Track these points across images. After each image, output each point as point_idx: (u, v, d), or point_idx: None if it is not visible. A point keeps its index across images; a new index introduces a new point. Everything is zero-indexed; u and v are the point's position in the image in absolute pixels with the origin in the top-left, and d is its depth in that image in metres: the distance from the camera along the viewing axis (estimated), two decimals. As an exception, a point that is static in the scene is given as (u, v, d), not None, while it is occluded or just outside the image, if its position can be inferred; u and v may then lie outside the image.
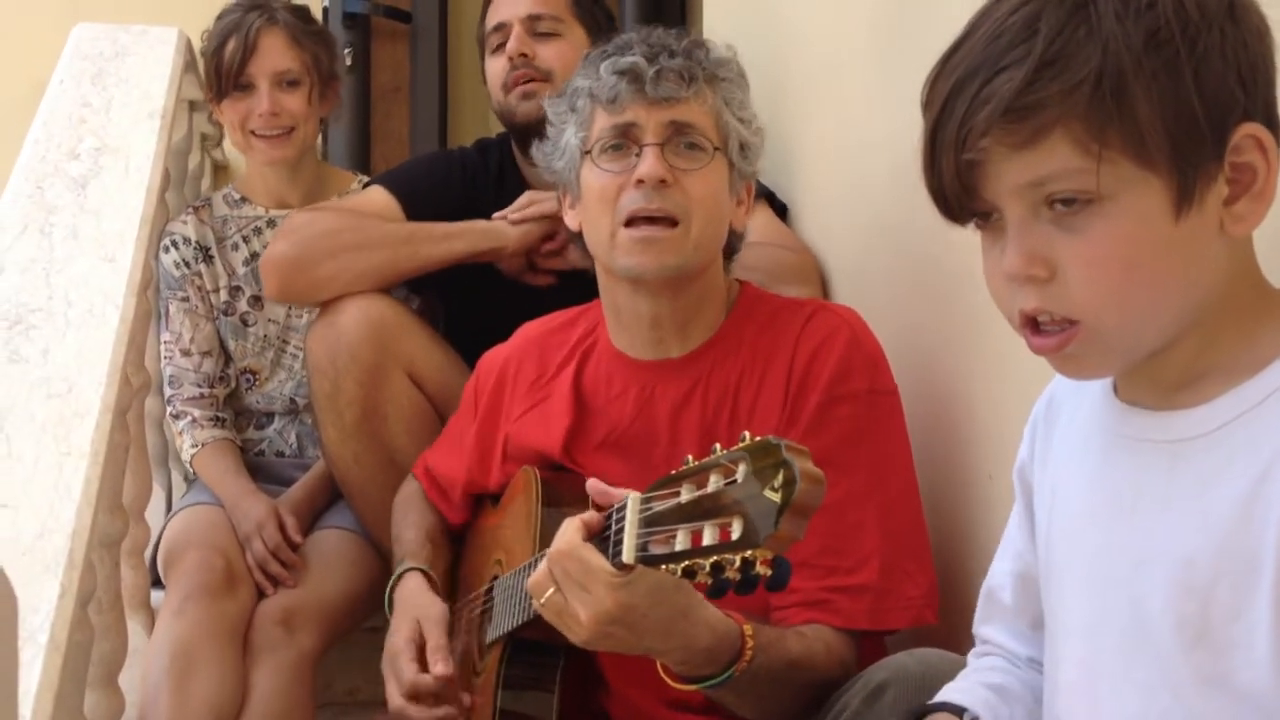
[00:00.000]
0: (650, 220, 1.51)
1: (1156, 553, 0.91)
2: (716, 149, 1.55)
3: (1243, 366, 0.89)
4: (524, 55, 2.19)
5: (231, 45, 2.30)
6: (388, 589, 1.72)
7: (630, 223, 1.52)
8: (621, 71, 1.52)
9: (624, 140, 1.54)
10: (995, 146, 0.87)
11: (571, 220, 1.62)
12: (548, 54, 2.20)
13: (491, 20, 2.26)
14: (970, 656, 1.19)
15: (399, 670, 1.60)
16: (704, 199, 1.53)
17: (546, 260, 2.09)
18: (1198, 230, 0.87)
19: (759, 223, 1.98)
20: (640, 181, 1.50)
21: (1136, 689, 0.92)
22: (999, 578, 1.14)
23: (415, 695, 1.58)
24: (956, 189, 0.91)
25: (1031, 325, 0.92)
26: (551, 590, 1.24)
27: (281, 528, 2.13)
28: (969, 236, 1.62)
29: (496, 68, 2.24)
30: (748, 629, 1.29)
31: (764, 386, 1.53)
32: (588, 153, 1.55)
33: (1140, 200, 0.86)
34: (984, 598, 1.17)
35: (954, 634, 1.55)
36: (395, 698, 1.59)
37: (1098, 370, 0.95)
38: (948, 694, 1.12)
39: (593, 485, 1.26)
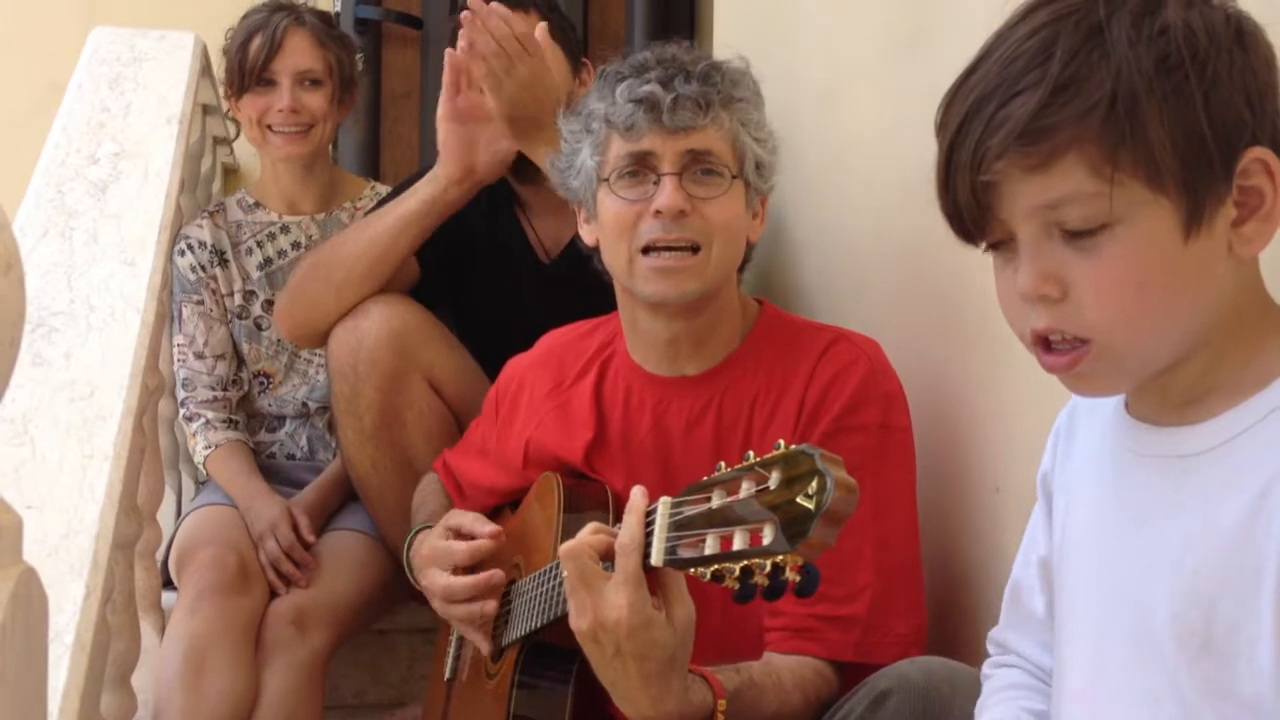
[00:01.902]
0: (669, 248, 1.52)
1: (1162, 564, 0.93)
2: (734, 176, 1.55)
3: (1247, 384, 0.91)
4: None
5: (258, 42, 2.33)
6: (405, 551, 1.75)
7: (648, 249, 1.53)
8: (638, 100, 1.52)
9: (641, 168, 1.54)
10: (1010, 169, 0.89)
11: (588, 235, 1.64)
12: None
13: None
14: (986, 666, 1.20)
15: (450, 550, 1.61)
16: (724, 225, 1.54)
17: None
18: (1207, 251, 0.89)
19: None
20: (659, 212, 1.51)
21: (1141, 697, 0.94)
22: (1026, 581, 1.14)
23: (473, 564, 1.59)
24: (972, 210, 0.93)
25: (1043, 344, 0.94)
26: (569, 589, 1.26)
27: (295, 528, 2.15)
28: (977, 253, 1.65)
29: None
30: (720, 705, 1.28)
31: (778, 410, 1.54)
32: (605, 179, 1.56)
33: (1151, 222, 0.88)
34: (1009, 602, 1.17)
35: (957, 642, 1.57)
36: (442, 580, 1.60)
37: (1108, 388, 0.97)
38: None
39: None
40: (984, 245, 0.97)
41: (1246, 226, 0.90)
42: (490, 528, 1.60)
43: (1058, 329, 0.92)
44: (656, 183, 1.53)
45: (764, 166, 1.60)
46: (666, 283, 1.52)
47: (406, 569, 1.74)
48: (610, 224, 1.56)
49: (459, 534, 1.64)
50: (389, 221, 2.07)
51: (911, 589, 1.50)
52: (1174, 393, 0.95)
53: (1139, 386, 0.97)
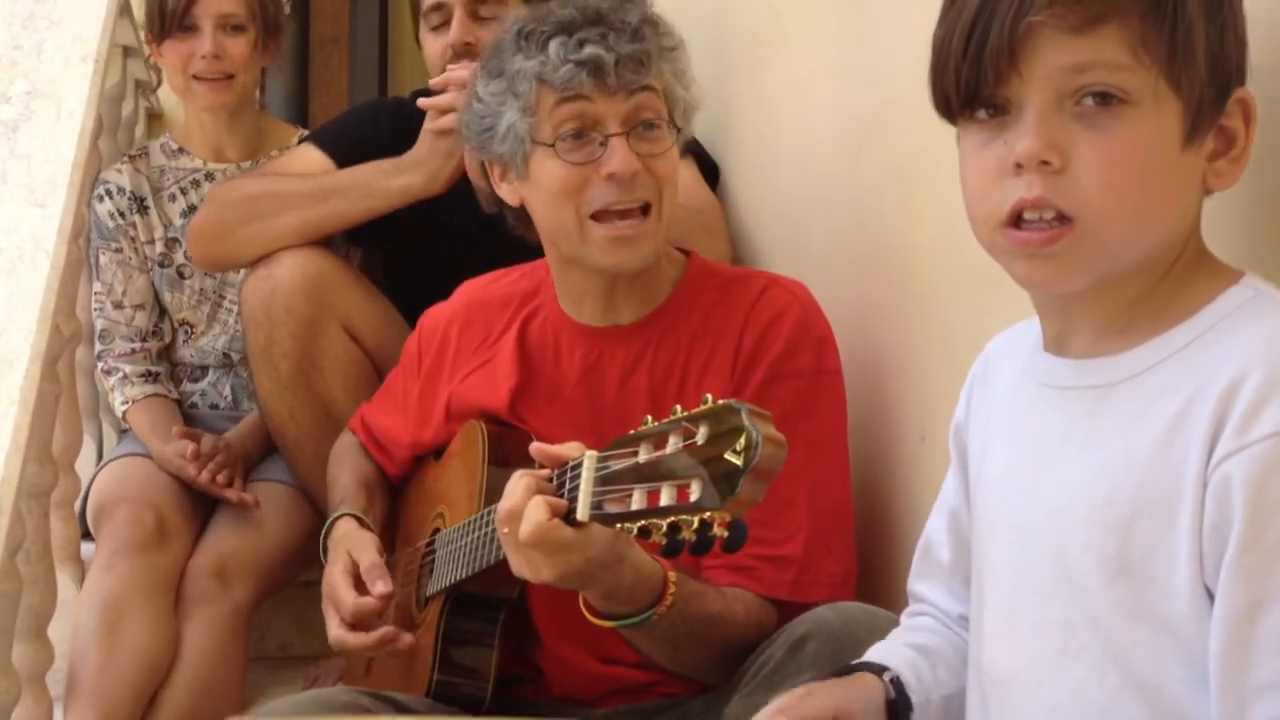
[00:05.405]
0: (623, 214, 1.49)
1: (1079, 493, 0.94)
2: (671, 127, 1.53)
3: (1170, 316, 0.93)
4: (468, 44, 2.08)
5: None
6: (322, 536, 1.71)
7: (599, 215, 1.49)
8: (581, 61, 1.47)
9: (585, 130, 1.49)
10: (1054, 21, 0.89)
11: (510, 195, 1.58)
12: (490, 40, 2.13)
13: None
14: (904, 616, 1.21)
15: (338, 600, 1.57)
16: (669, 178, 1.52)
17: None
18: (1193, 169, 0.92)
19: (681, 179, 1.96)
20: (611, 175, 1.47)
21: (1055, 626, 0.95)
22: (935, 534, 1.17)
23: (358, 621, 1.55)
24: (997, 60, 0.91)
25: (1014, 222, 0.93)
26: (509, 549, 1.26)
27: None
28: (909, 203, 1.65)
29: (435, 48, 2.14)
30: (672, 576, 1.31)
31: (714, 357, 1.54)
32: (545, 143, 1.50)
33: (1160, 117, 0.90)
34: (919, 554, 1.19)
35: (880, 589, 1.59)
36: (335, 629, 1.57)
37: (1071, 277, 0.95)
38: (871, 654, 1.15)
39: (536, 448, 1.26)
40: (972, 114, 0.95)
41: (1219, 163, 0.93)
42: (380, 588, 1.55)
43: (1049, 201, 0.91)
44: (603, 144, 1.49)
45: (689, 112, 1.58)
46: (625, 252, 1.50)
47: (321, 553, 1.70)
48: (553, 188, 1.51)
49: (354, 568, 1.59)
50: (344, 199, 2.03)
51: (843, 531, 1.52)
52: (1104, 315, 0.95)
53: (1078, 300, 0.96)
